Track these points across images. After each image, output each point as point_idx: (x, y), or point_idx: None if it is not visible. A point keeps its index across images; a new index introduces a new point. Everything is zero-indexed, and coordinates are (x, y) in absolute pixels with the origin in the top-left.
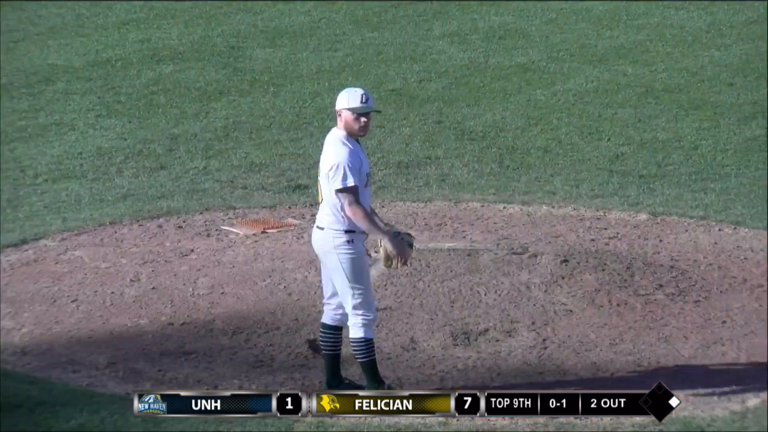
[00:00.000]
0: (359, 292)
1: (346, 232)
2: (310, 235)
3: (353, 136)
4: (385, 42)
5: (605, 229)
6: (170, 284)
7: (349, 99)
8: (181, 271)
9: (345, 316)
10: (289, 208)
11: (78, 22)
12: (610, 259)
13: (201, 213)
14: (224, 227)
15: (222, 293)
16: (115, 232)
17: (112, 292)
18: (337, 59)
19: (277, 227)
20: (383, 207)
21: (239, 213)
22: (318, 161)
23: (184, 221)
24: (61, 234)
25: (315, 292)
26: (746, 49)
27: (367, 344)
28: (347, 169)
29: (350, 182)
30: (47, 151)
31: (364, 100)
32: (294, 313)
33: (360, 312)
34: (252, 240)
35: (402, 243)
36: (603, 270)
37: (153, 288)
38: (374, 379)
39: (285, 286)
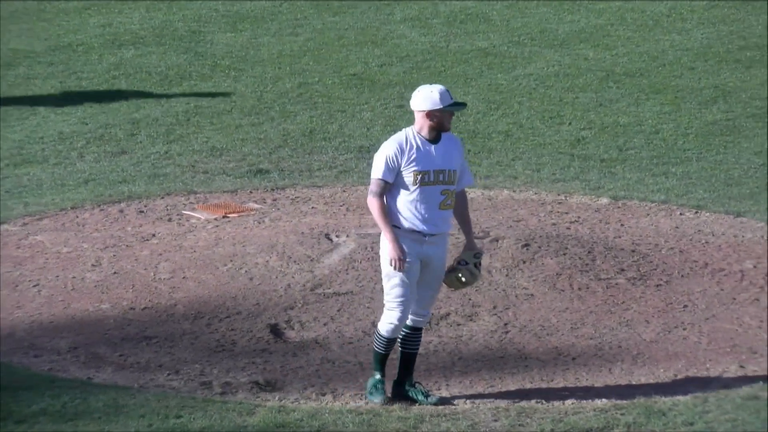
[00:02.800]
0: (390, 289)
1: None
2: (271, 220)
3: (426, 136)
4: (346, 26)
5: (566, 213)
6: (132, 269)
7: (430, 98)
8: (142, 255)
9: (419, 316)
10: (251, 192)
11: (39, 7)
12: (571, 243)
13: (162, 198)
14: (185, 212)
15: (183, 278)
16: (77, 217)
17: (74, 277)
18: (298, 43)
19: (238, 212)
20: (344, 191)
21: (200, 198)
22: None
23: (145, 206)
24: (22, 219)
25: (276, 277)
26: (707, 33)
27: (381, 339)
28: (377, 160)
29: (374, 174)
30: (8, 136)
31: (451, 97)
32: (255, 298)
33: (389, 309)
34: (213, 225)
35: (392, 248)
36: (564, 254)
37: (114, 273)
38: (375, 366)
39: (246, 271)
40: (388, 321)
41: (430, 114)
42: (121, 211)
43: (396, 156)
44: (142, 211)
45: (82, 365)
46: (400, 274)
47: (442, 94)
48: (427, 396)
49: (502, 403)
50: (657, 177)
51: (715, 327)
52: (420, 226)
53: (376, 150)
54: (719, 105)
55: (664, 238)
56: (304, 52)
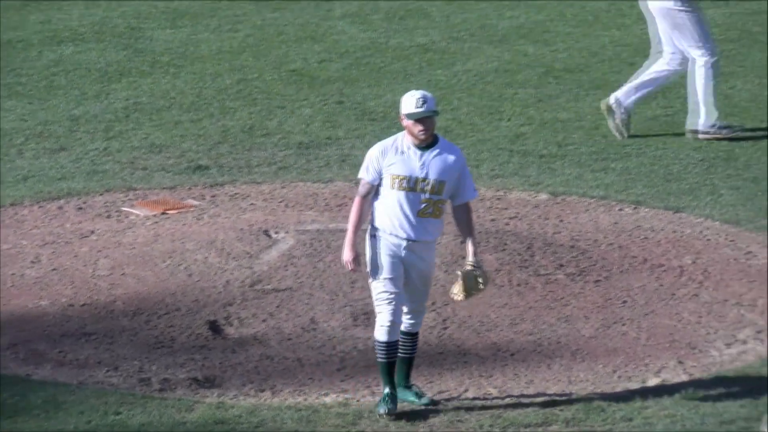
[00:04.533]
0: (375, 292)
1: (372, 227)
2: (210, 216)
3: (415, 141)
4: (285, 22)
5: (505, 209)
6: (71, 265)
7: (406, 105)
8: (81, 252)
9: (407, 322)
10: (190, 189)
11: None
12: (510, 239)
13: (101, 194)
14: (124, 208)
15: (122, 274)
16: (16, 214)
17: (13, 274)
18: (238, 40)
19: (177, 208)
20: (284, 188)
21: (139, 194)
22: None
23: (84, 202)
24: None
25: (215, 273)
26: (646, 29)
27: (379, 345)
28: (366, 160)
29: (360, 173)
30: None
31: (419, 105)
32: (194, 295)
33: (378, 312)
34: (152, 221)
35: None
36: (503, 250)
37: (54, 269)
38: (384, 380)
39: (185, 267)
40: (379, 324)
41: (401, 119)
42: (60, 207)
43: (378, 158)
44: (81, 208)
45: (21, 362)
46: (382, 275)
47: (409, 101)
48: (419, 397)
49: (441, 399)
50: (596, 173)
51: (654, 322)
52: (396, 230)
53: (315, 146)
54: (658, 100)
55: (603, 234)
56: (243, 48)
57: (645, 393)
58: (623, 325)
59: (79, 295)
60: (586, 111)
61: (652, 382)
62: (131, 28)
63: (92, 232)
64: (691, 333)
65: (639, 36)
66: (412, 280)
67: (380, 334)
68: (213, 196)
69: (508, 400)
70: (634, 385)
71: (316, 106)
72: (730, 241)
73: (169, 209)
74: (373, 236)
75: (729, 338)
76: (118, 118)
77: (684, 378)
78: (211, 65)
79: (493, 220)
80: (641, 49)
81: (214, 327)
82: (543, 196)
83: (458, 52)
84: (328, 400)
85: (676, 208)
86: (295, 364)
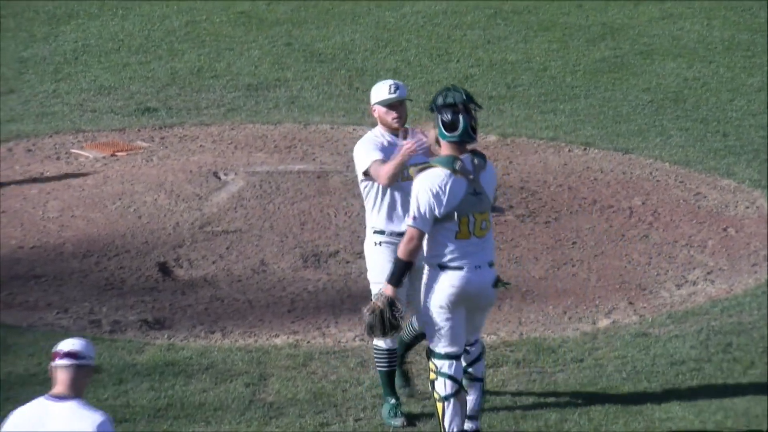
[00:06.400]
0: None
1: (375, 232)
2: (159, 158)
3: (390, 131)
4: None
5: None
6: (20, 208)
7: (377, 93)
8: (30, 194)
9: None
10: (138, 131)
11: None
12: None
13: (50, 136)
14: (74, 150)
15: (72, 216)
16: None
17: None
18: None
19: (126, 150)
20: (233, 129)
21: (89, 136)
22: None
23: (33, 144)
24: None
25: (165, 215)
26: None
27: (382, 353)
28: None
29: (372, 157)
30: None
31: (392, 91)
32: (144, 236)
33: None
34: (102, 163)
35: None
36: None
37: (3, 212)
38: (386, 390)
39: (135, 209)
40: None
41: (373, 111)
42: (10, 149)
43: (374, 146)
44: (30, 150)
45: None
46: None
47: (381, 89)
48: (405, 385)
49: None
50: (545, 114)
51: (604, 264)
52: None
53: (264, 88)
54: (607, 42)
55: (553, 175)
56: None
57: (595, 334)
58: (573, 266)
59: (28, 238)
60: (535, 52)
61: (603, 323)
62: None
63: (42, 174)
64: (641, 274)
65: None
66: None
67: (386, 340)
68: (162, 138)
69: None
70: (585, 327)
71: (264, 48)
72: (680, 182)
73: (118, 151)
74: (379, 243)
75: (679, 279)
76: (66, 60)
77: (634, 319)
78: (159, 7)
79: None
80: None
81: (164, 269)
82: (492, 138)
83: None
84: (278, 341)
85: (625, 149)
86: (245, 305)
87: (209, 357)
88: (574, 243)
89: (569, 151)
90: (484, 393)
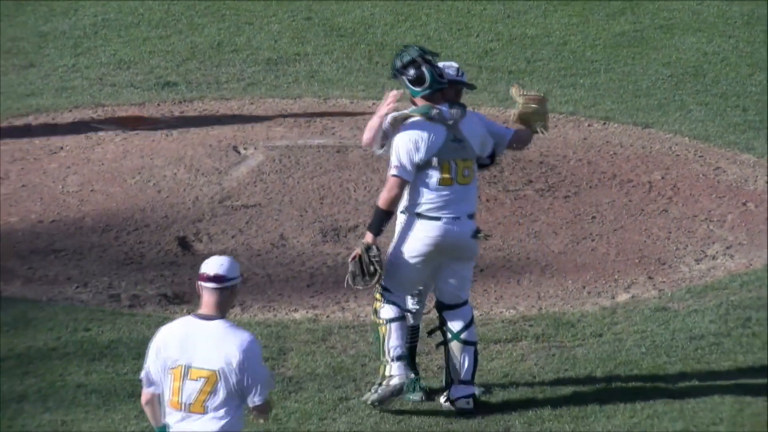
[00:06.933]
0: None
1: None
2: (179, 132)
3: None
4: None
5: None
6: (40, 182)
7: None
8: (50, 168)
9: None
10: (158, 105)
11: None
12: None
13: (70, 111)
14: (94, 125)
15: (91, 191)
16: None
17: None
18: None
19: (146, 124)
20: (252, 104)
21: (108, 111)
22: None
23: (53, 119)
24: None
25: (184, 189)
26: None
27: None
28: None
29: None
30: None
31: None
32: (164, 211)
33: None
34: (121, 137)
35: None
36: None
37: (23, 186)
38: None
39: (154, 184)
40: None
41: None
42: (29, 124)
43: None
44: (49, 124)
45: None
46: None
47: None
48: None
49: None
50: (565, 88)
51: (624, 238)
52: None
53: (284, 62)
54: (627, 16)
55: (573, 150)
56: None
57: (615, 309)
58: (592, 240)
59: (48, 212)
60: (555, 27)
61: (622, 297)
62: None
63: (61, 148)
64: (660, 248)
65: None
66: None
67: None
68: (182, 113)
69: (477, 316)
70: (604, 301)
71: (284, 22)
72: (699, 156)
73: (138, 125)
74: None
75: (698, 254)
76: (86, 34)
77: (653, 293)
78: None
79: None
80: None
81: (184, 243)
82: (512, 112)
83: None
84: (297, 316)
85: (645, 123)
86: (264, 280)
87: None
88: (593, 217)
89: (589, 125)
90: (477, 357)
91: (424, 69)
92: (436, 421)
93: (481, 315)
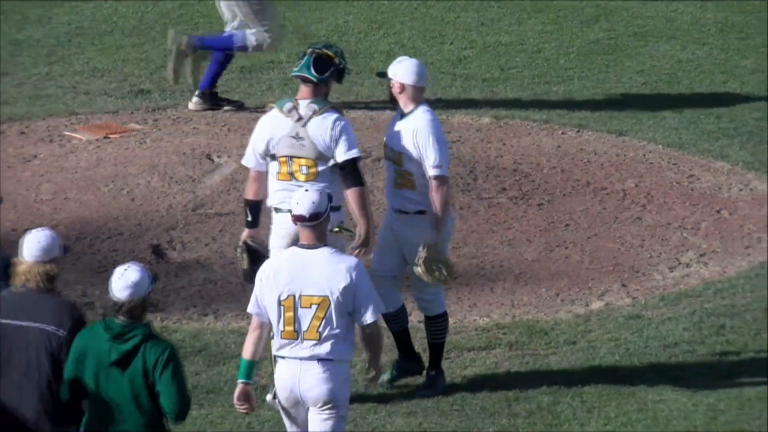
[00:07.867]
0: None
1: None
2: (152, 140)
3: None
4: None
5: (448, 132)
6: (13, 190)
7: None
8: (24, 176)
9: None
10: (132, 113)
11: None
12: (453, 162)
13: (44, 119)
14: (67, 133)
15: (65, 199)
16: None
17: None
18: None
19: (119, 132)
20: (226, 112)
21: (82, 119)
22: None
23: (26, 127)
24: None
25: (158, 197)
26: None
27: (389, 315)
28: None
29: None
30: None
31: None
32: (137, 219)
33: None
34: (95, 145)
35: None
36: None
37: None
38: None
39: (128, 192)
40: None
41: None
42: (2, 132)
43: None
44: (23, 132)
45: None
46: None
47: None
48: (392, 378)
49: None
50: (539, 96)
51: (598, 246)
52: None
53: (257, 70)
54: (601, 24)
55: (546, 158)
56: None
57: (588, 316)
58: (566, 248)
59: (22, 220)
60: (529, 34)
61: (596, 305)
62: None
63: (35, 156)
64: (634, 256)
65: None
66: None
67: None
68: (155, 120)
69: (451, 324)
70: (578, 309)
71: None
72: (673, 164)
73: (111, 133)
74: None
75: (672, 261)
76: (60, 42)
77: (627, 301)
78: None
79: None
80: None
81: (157, 251)
82: (486, 120)
83: None
84: None
85: (618, 131)
86: (238, 288)
87: (202, 339)
88: (567, 225)
89: (563, 133)
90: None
91: (306, 56)
92: (407, 422)
93: (455, 323)
